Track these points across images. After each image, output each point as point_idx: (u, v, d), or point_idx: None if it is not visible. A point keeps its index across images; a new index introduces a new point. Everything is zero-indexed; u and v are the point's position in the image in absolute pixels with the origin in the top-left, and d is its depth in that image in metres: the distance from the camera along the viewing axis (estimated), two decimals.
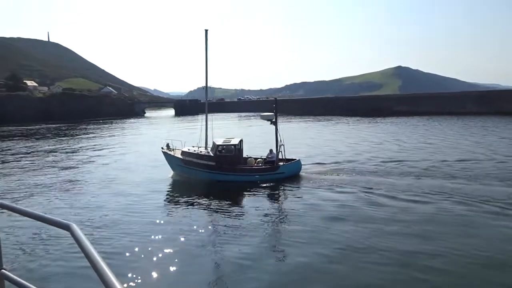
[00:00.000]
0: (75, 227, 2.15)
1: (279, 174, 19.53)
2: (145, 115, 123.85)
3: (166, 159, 22.34)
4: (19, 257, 10.29)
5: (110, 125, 75.83)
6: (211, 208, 15.62)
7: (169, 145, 22.57)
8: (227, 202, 16.36)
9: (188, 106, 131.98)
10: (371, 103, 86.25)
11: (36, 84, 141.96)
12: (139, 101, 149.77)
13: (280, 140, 19.95)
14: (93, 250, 1.92)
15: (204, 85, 25.26)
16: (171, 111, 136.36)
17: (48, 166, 26.88)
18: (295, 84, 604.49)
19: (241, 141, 21.01)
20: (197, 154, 20.83)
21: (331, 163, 23.73)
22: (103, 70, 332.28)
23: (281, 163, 19.95)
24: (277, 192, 18.15)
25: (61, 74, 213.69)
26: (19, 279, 2.78)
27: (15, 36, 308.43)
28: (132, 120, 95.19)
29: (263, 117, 21.52)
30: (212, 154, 20.30)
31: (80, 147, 38.70)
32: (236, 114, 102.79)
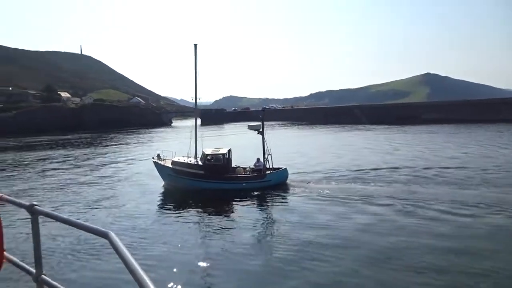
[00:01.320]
0: (113, 235, 2.20)
1: (265, 182, 20.04)
2: (171, 124, 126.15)
3: (157, 169, 22.80)
4: (59, 263, 10.62)
5: (138, 134, 77.75)
6: (199, 215, 16.37)
7: (160, 155, 23.28)
8: (215, 209, 17.00)
9: (213, 116, 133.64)
10: (399, 111, 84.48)
11: (69, 95, 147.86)
12: (166, 110, 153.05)
13: (267, 150, 20.59)
14: (131, 257, 1.96)
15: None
16: (197, 120, 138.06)
17: (83, 175, 27.69)
18: (320, 92, 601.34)
19: (229, 150, 21.51)
20: (187, 163, 21.22)
21: (330, 172, 23.74)
22: (132, 81, 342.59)
23: (268, 172, 20.43)
24: (262, 198, 18.65)
25: (93, 85, 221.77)
26: (58, 285, 2.88)
27: (50, 49, 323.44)
28: (159, 129, 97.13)
29: (250, 127, 22.30)
30: (201, 163, 20.75)
31: (111, 156, 39.83)
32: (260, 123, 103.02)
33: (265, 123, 22.20)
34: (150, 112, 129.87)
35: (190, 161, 21.57)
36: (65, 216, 2.75)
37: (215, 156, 20.71)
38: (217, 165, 20.51)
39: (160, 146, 46.66)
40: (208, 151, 21.09)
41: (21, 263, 3.46)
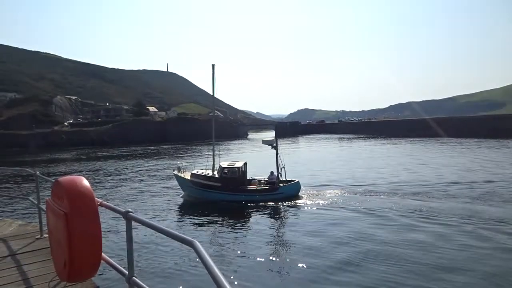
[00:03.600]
0: (197, 244, 2.32)
1: (278, 194, 20.92)
2: (247, 137, 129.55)
3: (177, 180, 24.17)
4: (147, 267, 11.33)
5: (216, 146, 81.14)
6: (214, 224, 17.14)
7: (180, 168, 24.91)
8: (229, 219, 17.81)
9: (288, 128, 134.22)
10: (495, 123, 76.19)
11: (156, 110, 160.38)
12: (243, 123, 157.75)
13: (281, 163, 21.57)
14: (214, 265, 2.03)
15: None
16: (272, 133, 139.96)
17: (169, 184, 29.27)
18: (400, 104, 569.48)
19: (245, 164, 22.50)
20: (205, 176, 22.45)
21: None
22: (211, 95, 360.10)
23: (281, 184, 21.31)
24: (274, 210, 19.38)
25: (177, 100, 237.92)
26: (147, 287, 3.10)
27: (141, 68, 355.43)
28: (236, 141, 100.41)
29: (264, 142, 23.25)
30: (218, 176, 21.83)
31: (189, 167, 41.99)
32: (336, 136, 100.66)
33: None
34: (227, 125, 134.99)
35: (208, 173, 22.78)
36: (155, 223, 2.97)
37: (231, 169, 21.70)
38: (233, 178, 21.48)
39: (234, 157, 48.12)
40: (225, 164, 22.28)
41: (116, 264, 3.80)
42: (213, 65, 25.39)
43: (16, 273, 4.85)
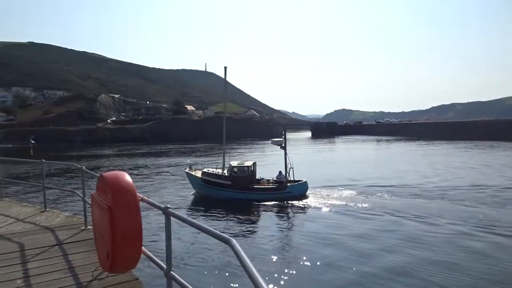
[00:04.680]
0: (234, 242, 2.36)
1: (286, 193, 21.37)
2: (283, 137, 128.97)
3: (188, 178, 24.85)
4: (185, 262, 11.63)
5: (251, 145, 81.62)
6: (223, 221, 17.46)
7: (191, 166, 25.88)
8: (238, 216, 18.15)
9: (324, 129, 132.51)
10: None
11: (194, 109, 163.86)
12: (278, 123, 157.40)
13: (289, 163, 21.91)
14: (251, 263, 2.05)
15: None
16: (308, 133, 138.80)
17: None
18: (443, 105, 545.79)
19: (254, 163, 23.24)
20: (215, 174, 23.12)
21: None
22: (248, 95, 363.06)
23: (289, 184, 21.75)
24: (282, 208, 19.89)
25: (214, 99, 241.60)
26: (184, 282, 3.19)
27: (180, 68, 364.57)
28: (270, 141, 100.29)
29: (273, 142, 24.06)
30: (228, 175, 22.40)
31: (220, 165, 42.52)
32: (373, 138, 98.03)
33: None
34: (263, 125, 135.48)
35: (218, 172, 23.46)
36: (193, 219, 3.05)
37: (240, 168, 22.31)
38: (242, 177, 22.04)
39: (268, 158, 48.16)
40: (235, 163, 22.96)
41: (155, 258, 3.94)
42: (225, 67, 26.41)
43: (62, 262, 5.14)
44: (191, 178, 24.37)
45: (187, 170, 25.28)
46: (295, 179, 22.29)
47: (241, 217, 18.12)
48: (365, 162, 41.24)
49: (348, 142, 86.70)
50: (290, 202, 20.51)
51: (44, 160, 8.81)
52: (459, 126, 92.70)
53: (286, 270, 11.05)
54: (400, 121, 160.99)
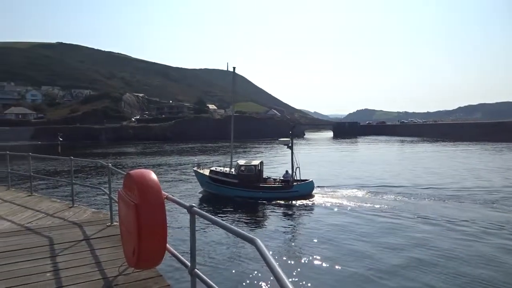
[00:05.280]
0: (259, 241, 2.36)
1: (292, 192, 21.56)
2: (304, 136, 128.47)
3: (196, 176, 25.25)
4: (209, 260, 11.74)
5: (272, 145, 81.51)
6: (231, 218, 17.45)
7: (200, 164, 26.34)
8: (245, 214, 18.50)
9: (346, 129, 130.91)
10: None
11: (216, 108, 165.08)
12: (300, 123, 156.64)
13: (296, 163, 22.02)
14: (276, 263, 2.05)
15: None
16: (330, 133, 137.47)
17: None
18: (470, 106, 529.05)
19: (261, 162, 23.78)
20: (223, 172, 23.50)
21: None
22: (270, 94, 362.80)
23: (295, 183, 21.95)
24: (288, 206, 20.12)
25: (236, 98, 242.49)
26: (208, 280, 3.23)
27: (202, 67, 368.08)
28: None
29: (280, 142, 24.71)
30: (235, 173, 22.75)
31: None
32: (397, 138, 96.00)
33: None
34: (284, 124, 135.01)
35: (226, 171, 23.88)
36: (218, 218, 3.07)
37: (247, 167, 22.61)
38: (249, 175, 22.35)
39: (287, 157, 47.91)
40: (242, 162, 23.42)
41: (179, 255, 4.00)
42: (234, 68, 27.45)
43: (89, 256, 5.29)
44: (199, 176, 24.81)
45: (195, 168, 25.80)
46: (303, 178, 22.56)
47: (247, 215, 18.47)
48: (383, 162, 40.58)
49: (370, 142, 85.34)
50: (296, 201, 20.78)
51: (72, 157, 9.08)
52: (488, 127, 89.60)
53: (294, 269, 11.03)
54: (425, 121, 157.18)
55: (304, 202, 20.55)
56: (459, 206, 18.92)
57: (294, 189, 21.66)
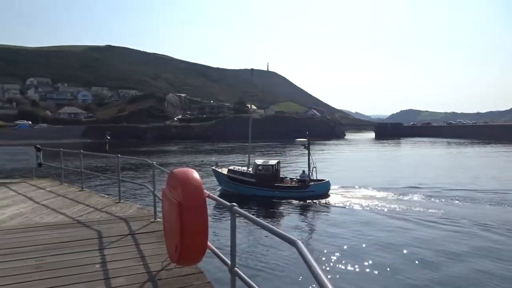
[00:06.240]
0: (300, 243, 2.34)
1: (309, 192, 21.78)
2: (345, 137, 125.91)
3: (215, 175, 25.51)
4: (250, 259, 11.90)
5: (312, 145, 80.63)
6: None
7: (218, 163, 27.11)
8: (263, 212, 18.78)
9: (389, 130, 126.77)
10: None
11: (255, 108, 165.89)
12: (340, 123, 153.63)
13: (312, 163, 22.48)
14: (317, 266, 2.03)
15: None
16: (371, 134, 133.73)
17: None
18: None
19: (278, 162, 24.40)
20: (241, 172, 23.96)
21: None
22: (310, 94, 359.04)
23: (312, 183, 22.18)
24: (304, 206, 20.29)
25: (275, 98, 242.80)
26: (248, 279, 3.26)
27: (242, 67, 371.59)
28: (331, 141, 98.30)
29: (297, 142, 25.59)
30: (252, 173, 23.07)
31: (292, 164, 42.60)
32: (444, 140, 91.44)
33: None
34: (324, 125, 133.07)
35: (244, 170, 24.26)
36: (258, 219, 3.09)
37: (265, 167, 23.01)
38: (267, 175, 22.68)
39: (326, 158, 47.12)
40: (259, 162, 23.93)
41: (220, 253, 4.07)
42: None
43: (134, 250, 5.52)
44: (218, 175, 25.40)
45: (214, 167, 26.48)
46: (321, 178, 22.97)
47: (264, 213, 18.82)
48: (421, 165, 39.01)
49: (414, 144, 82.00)
50: (312, 200, 21.05)
51: (119, 155, 9.51)
52: None
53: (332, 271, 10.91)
54: (475, 122, 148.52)
55: (320, 201, 20.87)
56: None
57: (310, 189, 21.97)
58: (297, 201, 21.04)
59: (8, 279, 4.40)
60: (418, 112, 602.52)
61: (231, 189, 23.70)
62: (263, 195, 21.99)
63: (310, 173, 22.65)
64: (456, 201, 20.27)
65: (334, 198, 21.65)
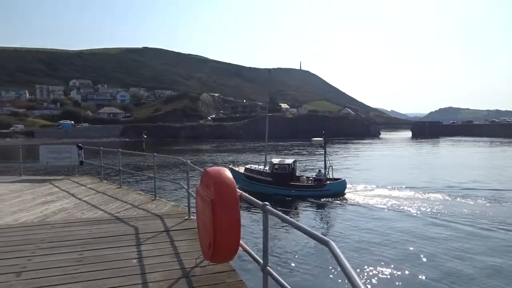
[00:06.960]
0: (333, 244, 2.31)
1: (325, 191, 21.96)
2: (380, 136, 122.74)
3: (232, 174, 24.48)
4: (282, 259, 11.86)
5: (346, 144, 79.28)
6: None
7: (234, 162, 27.58)
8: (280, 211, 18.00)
9: (426, 129, 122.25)
10: None
11: (288, 107, 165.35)
12: (375, 122, 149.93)
13: (329, 162, 22.92)
14: (350, 267, 1.99)
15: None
16: (408, 133, 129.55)
17: None
18: None
19: (294, 161, 24.53)
20: (257, 170, 24.25)
21: None
22: (344, 92, 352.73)
23: (328, 182, 22.45)
24: (321, 205, 20.38)
25: (308, 97, 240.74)
26: (280, 279, 3.25)
27: (275, 67, 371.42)
28: (366, 141, 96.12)
29: (313, 142, 26.13)
30: (269, 172, 23.28)
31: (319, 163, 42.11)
32: (487, 139, 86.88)
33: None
34: (358, 124, 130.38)
35: (260, 169, 24.52)
36: (291, 218, 3.08)
37: (281, 166, 23.13)
38: (283, 174, 22.82)
39: (360, 158, 46.09)
40: (276, 161, 24.03)
41: (252, 252, 4.09)
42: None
43: (169, 247, 5.66)
44: (234, 174, 25.42)
45: (231, 166, 26.77)
46: (336, 177, 23.25)
47: (281, 211, 18.64)
48: (453, 165, 37.44)
49: (453, 143, 78.57)
50: (328, 199, 21.23)
51: (155, 154, 9.78)
52: None
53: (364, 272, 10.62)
54: None
55: (336, 200, 21.02)
56: None
57: (326, 188, 22.20)
58: (313, 200, 21.33)
59: (53, 271, 4.64)
60: (458, 110, 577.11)
61: (248, 188, 23.70)
62: (279, 193, 22.23)
63: (327, 172, 22.92)
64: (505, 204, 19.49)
65: (351, 196, 21.80)
